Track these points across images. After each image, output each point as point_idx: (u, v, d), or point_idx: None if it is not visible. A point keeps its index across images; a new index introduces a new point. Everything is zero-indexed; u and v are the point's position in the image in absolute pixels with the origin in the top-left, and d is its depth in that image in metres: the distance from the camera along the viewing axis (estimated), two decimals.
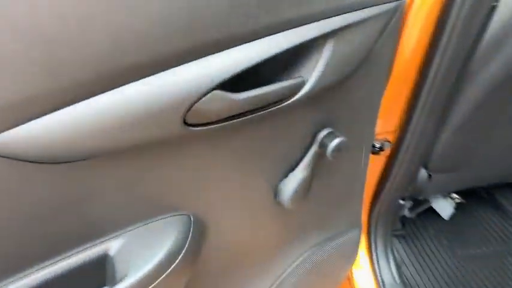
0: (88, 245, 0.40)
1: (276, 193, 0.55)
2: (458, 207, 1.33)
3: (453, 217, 1.32)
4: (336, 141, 0.49)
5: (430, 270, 1.15)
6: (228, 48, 0.36)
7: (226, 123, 0.40)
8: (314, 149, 0.52)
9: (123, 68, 0.32)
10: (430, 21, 0.61)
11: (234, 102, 0.38)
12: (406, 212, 1.24)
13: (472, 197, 1.38)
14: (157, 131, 0.35)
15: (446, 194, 1.34)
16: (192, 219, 0.46)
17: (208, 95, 0.36)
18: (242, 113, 0.40)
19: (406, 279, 1.10)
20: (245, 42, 0.36)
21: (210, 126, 0.39)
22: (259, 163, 0.49)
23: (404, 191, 1.02)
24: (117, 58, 0.31)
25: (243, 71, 0.36)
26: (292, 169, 0.53)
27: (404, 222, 1.30)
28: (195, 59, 0.35)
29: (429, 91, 0.71)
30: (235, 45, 0.36)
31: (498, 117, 0.89)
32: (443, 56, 0.65)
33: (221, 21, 0.34)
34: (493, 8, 0.65)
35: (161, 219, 0.44)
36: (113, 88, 0.32)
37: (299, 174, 0.53)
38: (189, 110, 0.36)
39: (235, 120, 0.40)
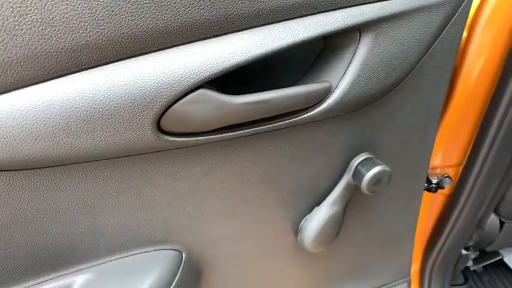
0: (44, 278, 0.32)
1: (297, 232, 0.44)
2: None
3: None
4: (375, 171, 0.38)
5: None
6: (221, 33, 0.27)
7: (221, 135, 0.30)
8: (347, 178, 0.40)
9: (70, 49, 0.24)
10: (509, 25, 0.48)
11: (229, 107, 0.28)
12: (470, 263, 1.05)
13: None
14: (120, 138, 0.27)
15: None
16: (184, 256, 0.37)
17: (192, 94, 0.27)
18: (244, 123, 0.31)
19: None
20: (247, 28, 0.27)
21: (197, 138, 0.30)
22: (273, 192, 0.39)
23: (468, 240, 0.85)
24: (61, 37, 0.23)
25: (244, 64, 0.27)
26: (318, 203, 0.42)
27: (468, 275, 1.10)
28: (175, 45, 0.26)
29: (502, 118, 0.56)
30: (234, 30, 0.27)
31: None
32: None
33: None
34: None
35: (141, 253, 0.35)
36: (55, 78, 0.24)
37: (326, 210, 0.41)
38: (164, 112, 0.27)
39: (233, 133, 0.31)
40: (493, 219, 0.86)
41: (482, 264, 1.10)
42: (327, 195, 0.42)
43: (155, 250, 0.36)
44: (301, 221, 0.43)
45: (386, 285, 0.61)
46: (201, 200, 0.35)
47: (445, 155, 0.65)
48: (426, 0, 0.33)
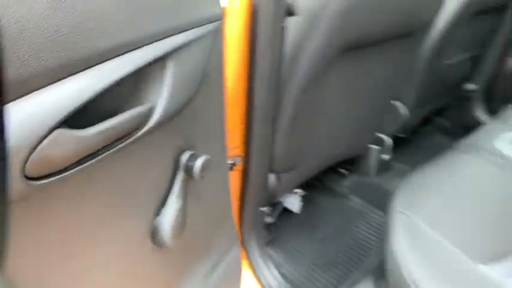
0: None
1: (153, 234, 0.51)
2: (303, 199, 1.52)
3: (302, 209, 1.50)
4: (200, 161, 0.50)
5: (301, 261, 1.27)
6: (63, 77, 0.31)
7: (79, 167, 0.35)
8: (181, 174, 0.51)
9: None
10: (243, 40, 0.69)
11: (83, 140, 0.34)
12: (268, 218, 1.34)
13: (310, 188, 1.60)
14: None
15: (292, 191, 1.51)
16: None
17: (51, 136, 0.31)
18: (95, 152, 0.36)
19: (289, 277, 1.18)
20: (79, 71, 0.33)
21: (60, 175, 0.33)
22: (129, 202, 0.45)
23: (263, 199, 1.10)
24: None
25: (88, 100, 0.33)
26: (164, 202, 0.51)
27: (269, 228, 1.39)
28: (26, 93, 0.29)
29: (260, 103, 0.80)
30: (69, 75, 0.32)
31: (314, 113, 1.06)
32: (262, 71, 0.75)
33: (46, 47, 0.29)
34: (283, 29, 0.79)
35: None
36: None
37: (173, 205, 0.51)
38: (28, 159, 0.29)
39: (89, 162, 0.35)
40: (271, 177, 1.14)
41: (275, 215, 1.41)
42: (170, 194, 0.51)
43: None
44: (154, 221, 0.51)
45: (224, 253, 0.76)
46: (61, 234, 0.38)
47: (231, 139, 0.84)
48: (199, 31, 0.46)
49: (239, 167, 0.91)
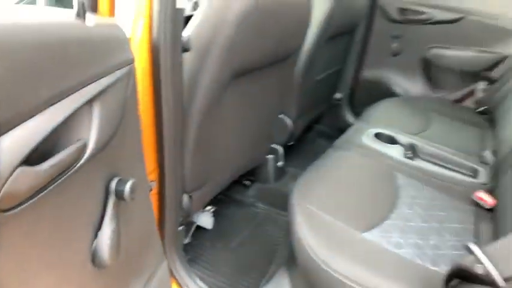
0: None
1: (93, 256, 0.56)
2: (214, 214, 1.62)
3: (214, 224, 1.59)
4: (129, 184, 0.57)
5: (221, 271, 1.36)
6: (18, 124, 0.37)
7: (37, 197, 0.40)
8: (112, 199, 0.57)
9: None
10: (147, 73, 0.78)
11: (39, 174, 0.39)
12: (184, 239, 1.40)
13: (219, 202, 1.71)
14: None
15: (203, 209, 1.60)
16: None
17: (15, 173, 0.36)
18: (45, 185, 0.42)
19: None
20: (31, 117, 0.39)
21: (24, 205, 0.38)
22: (70, 231, 0.50)
23: (179, 219, 1.17)
24: None
25: (39, 142, 0.39)
26: (100, 226, 0.56)
27: (187, 247, 1.45)
28: None
29: (168, 129, 0.89)
30: (24, 121, 0.38)
31: (216, 133, 1.18)
32: (167, 100, 0.84)
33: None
34: (181, 62, 0.90)
35: None
36: None
37: (108, 228, 0.56)
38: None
39: (43, 193, 0.41)
40: (185, 197, 1.21)
41: (189, 235, 1.48)
42: (104, 218, 0.57)
43: None
44: (92, 246, 0.56)
45: (154, 269, 0.81)
46: (26, 257, 0.42)
47: (146, 165, 0.91)
48: (116, 76, 0.54)
49: (155, 190, 0.98)
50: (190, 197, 1.22)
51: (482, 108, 1.83)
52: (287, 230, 1.49)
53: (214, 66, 0.97)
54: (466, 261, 0.65)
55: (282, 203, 1.71)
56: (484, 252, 0.62)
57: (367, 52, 2.25)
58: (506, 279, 0.59)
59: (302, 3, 1.21)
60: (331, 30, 1.63)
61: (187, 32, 0.91)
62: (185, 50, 0.86)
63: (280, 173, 1.83)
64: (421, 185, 1.16)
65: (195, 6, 1.31)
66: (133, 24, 0.70)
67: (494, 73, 1.84)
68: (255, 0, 0.95)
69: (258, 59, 1.13)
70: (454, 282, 0.72)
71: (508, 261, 0.59)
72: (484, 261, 0.61)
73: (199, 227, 1.55)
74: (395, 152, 1.35)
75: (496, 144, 1.43)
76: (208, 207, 1.62)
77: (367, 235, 0.94)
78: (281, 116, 1.71)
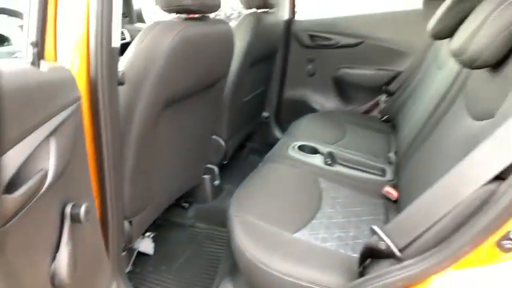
0: None
1: (52, 278, 0.60)
2: (155, 240, 1.65)
3: (156, 249, 1.62)
4: (83, 207, 0.63)
5: None
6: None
7: (8, 224, 0.46)
8: (67, 223, 0.62)
9: None
10: (86, 105, 0.84)
11: (14, 201, 0.45)
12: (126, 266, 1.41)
13: (159, 228, 1.74)
14: None
15: (143, 235, 1.62)
16: None
17: None
18: (16, 212, 0.47)
19: None
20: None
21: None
22: (30, 258, 0.55)
23: (121, 245, 1.19)
24: None
25: (14, 173, 0.45)
26: (58, 249, 0.61)
27: (130, 274, 1.46)
28: None
29: (108, 156, 0.94)
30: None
31: (154, 157, 1.25)
32: (105, 129, 0.90)
33: None
34: (117, 94, 0.97)
35: None
36: None
37: (65, 250, 0.61)
38: None
39: (13, 220, 0.47)
40: (126, 225, 1.25)
41: (130, 262, 1.49)
42: (61, 241, 0.62)
43: None
44: (51, 269, 0.60)
45: None
46: None
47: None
48: (66, 113, 0.61)
49: (97, 217, 1.01)
50: (130, 222, 1.26)
51: (385, 117, 2.13)
52: (228, 243, 1.58)
53: (147, 97, 1.06)
54: (372, 241, 0.81)
55: (221, 220, 1.80)
56: (383, 231, 0.78)
57: (287, 74, 2.48)
58: (400, 250, 0.76)
59: (225, 35, 1.35)
60: (253, 57, 1.80)
61: (121, 67, 0.99)
62: (120, 83, 0.94)
63: (217, 191, 1.92)
64: (340, 187, 1.34)
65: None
66: (72, 63, 0.76)
67: (392, 87, 2.16)
68: (182, 34, 1.06)
69: (188, 87, 1.23)
70: (368, 261, 0.88)
71: (400, 235, 0.76)
72: (384, 238, 0.77)
73: (140, 254, 1.57)
74: (317, 160, 1.53)
75: (397, 146, 1.70)
76: (148, 233, 1.64)
77: (298, 235, 1.07)
78: (214, 137, 1.82)
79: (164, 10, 1.13)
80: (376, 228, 0.79)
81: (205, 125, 1.57)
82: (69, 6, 0.73)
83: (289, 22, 2.37)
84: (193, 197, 1.86)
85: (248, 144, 2.46)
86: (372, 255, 0.85)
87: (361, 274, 0.85)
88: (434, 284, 0.67)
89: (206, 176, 1.84)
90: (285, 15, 2.35)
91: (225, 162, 1.99)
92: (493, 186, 0.66)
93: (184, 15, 1.15)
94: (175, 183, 1.52)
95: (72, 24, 0.74)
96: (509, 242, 0.59)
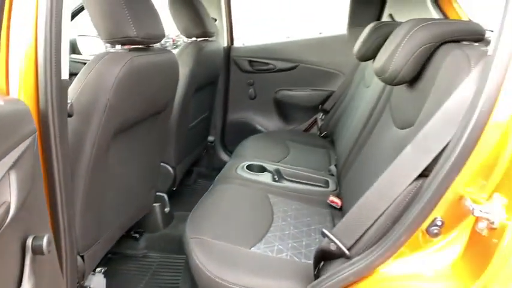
0: None
1: None
2: (106, 275, 1.59)
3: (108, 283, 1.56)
4: (45, 239, 0.62)
5: None
6: None
7: None
8: (29, 255, 0.61)
9: None
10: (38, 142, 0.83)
11: None
12: None
13: (110, 262, 1.68)
14: None
15: (94, 271, 1.55)
16: None
17: None
18: None
19: None
20: None
21: None
22: None
23: (75, 280, 1.15)
24: None
25: None
26: (20, 283, 0.60)
27: None
28: None
29: (59, 188, 0.93)
30: None
31: (104, 188, 1.23)
32: (56, 161, 0.89)
33: None
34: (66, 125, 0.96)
35: None
36: None
37: (27, 284, 0.60)
38: None
39: None
40: (79, 259, 1.20)
41: None
42: (23, 276, 0.61)
43: None
44: None
45: None
46: None
47: None
48: (25, 144, 0.61)
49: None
50: (82, 257, 1.22)
51: (324, 133, 2.29)
52: (185, 267, 1.58)
53: (97, 129, 1.06)
54: (323, 244, 0.89)
55: (175, 247, 1.79)
56: (332, 233, 0.86)
57: (229, 98, 2.57)
58: (349, 249, 0.84)
59: (170, 63, 1.39)
60: (196, 84, 1.86)
61: (68, 98, 0.99)
62: (69, 115, 0.94)
63: (168, 218, 1.91)
64: (289, 200, 1.43)
65: None
66: (22, 96, 0.76)
67: (327, 105, 2.34)
68: (130, 65, 1.09)
69: (136, 116, 1.25)
70: (321, 264, 0.96)
71: (347, 235, 0.85)
72: (333, 239, 0.85)
73: None
74: (265, 178, 1.61)
75: (337, 158, 1.84)
76: (99, 269, 1.58)
77: (255, 249, 1.12)
78: (162, 164, 1.83)
79: (108, 42, 1.15)
80: (325, 231, 0.87)
81: (154, 152, 1.58)
82: (17, 39, 0.74)
83: (228, 49, 2.48)
84: (144, 227, 1.83)
85: (195, 169, 2.48)
86: (324, 258, 0.93)
87: (317, 277, 0.92)
88: (381, 274, 0.76)
89: (156, 204, 1.83)
90: (224, 42, 2.46)
91: (174, 188, 1.99)
92: (418, 183, 0.78)
93: (128, 47, 1.18)
94: (127, 213, 1.49)
95: (20, 56, 0.74)
96: (435, 227, 0.70)
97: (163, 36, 1.25)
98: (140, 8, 1.13)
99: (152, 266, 1.71)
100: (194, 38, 1.93)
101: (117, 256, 1.73)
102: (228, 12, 2.44)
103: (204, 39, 1.98)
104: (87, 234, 1.20)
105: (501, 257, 0.62)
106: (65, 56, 0.82)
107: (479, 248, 0.67)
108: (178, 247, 1.80)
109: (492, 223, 0.63)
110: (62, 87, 0.83)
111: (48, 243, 0.64)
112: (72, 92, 1.02)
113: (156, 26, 1.20)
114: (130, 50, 1.17)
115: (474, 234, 0.68)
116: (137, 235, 1.82)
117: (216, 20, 2.32)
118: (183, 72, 1.71)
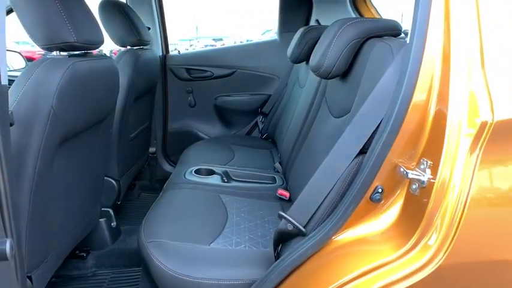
0: None
1: None
2: None
3: None
4: (8, 243, 0.60)
5: None
6: None
7: None
8: None
9: None
10: None
11: None
12: None
13: (56, 286, 1.58)
14: None
15: None
16: None
17: None
18: None
19: None
20: None
21: None
22: None
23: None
24: None
25: None
26: None
27: None
28: None
29: (7, 208, 0.87)
30: None
31: (48, 204, 1.17)
32: (2, 179, 0.85)
33: None
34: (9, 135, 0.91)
35: None
36: None
37: None
38: None
39: None
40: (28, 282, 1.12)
41: None
42: None
43: None
44: None
45: None
46: None
47: None
48: None
49: None
50: (29, 278, 1.15)
51: (265, 135, 2.39)
52: (142, 276, 1.54)
53: (40, 139, 1.01)
54: (281, 225, 0.95)
55: (126, 261, 1.74)
56: (288, 214, 0.93)
57: (169, 107, 2.56)
58: (304, 226, 0.92)
59: (111, 70, 1.37)
60: (135, 92, 1.84)
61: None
62: (10, 124, 0.89)
63: (116, 233, 1.84)
64: (241, 198, 1.48)
65: None
66: None
67: (266, 108, 2.45)
68: (72, 71, 1.06)
69: (80, 124, 1.22)
70: (280, 246, 1.02)
71: (302, 214, 0.92)
72: (290, 219, 0.92)
73: None
74: (214, 180, 1.64)
75: (280, 156, 1.93)
76: None
77: (214, 245, 1.15)
78: (106, 178, 1.77)
79: (44, 48, 1.11)
80: (282, 213, 0.94)
81: (97, 164, 1.53)
82: None
83: (164, 58, 2.48)
84: (90, 245, 1.75)
85: (138, 182, 2.42)
86: (282, 240, 0.99)
87: (277, 258, 0.97)
88: (336, 243, 0.84)
89: (102, 220, 1.76)
90: (159, 51, 2.46)
91: (119, 202, 1.93)
92: (359, 159, 0.88)
93: (66, 53, 1.15)
94: (73, 228, 1.43)
95: None
96: (377, 194, 0.80)
97: (102, 42, 1.23)
98: (78, 12, 1.11)
99: (104, 284, 1.64)
100: (129, 47, 1.91)
101: (62, 279, 1.63)
102: (162, 20, 2.45)
103: (140, 48, 1.97)
104: (34, 252, 1.14)
105: (430, 211, 0.73)
106: (2, 59, 0.79)
107: (414, 207, 0.78)
108: (130, 260, 1.76)
109: (422, 183, 0.74)
110: (2, 94, 0.80)
111: (11, 247, 0.61)
112: (10, 100, 0.97)
113: (95, 32, 1.19)
114: (70, 56, 1.14)
115: (408, 195, 0.79)
116: (84, 254, 1.73)
117: (149, 28, 2.30)
118: (122, 80, 1.69)
